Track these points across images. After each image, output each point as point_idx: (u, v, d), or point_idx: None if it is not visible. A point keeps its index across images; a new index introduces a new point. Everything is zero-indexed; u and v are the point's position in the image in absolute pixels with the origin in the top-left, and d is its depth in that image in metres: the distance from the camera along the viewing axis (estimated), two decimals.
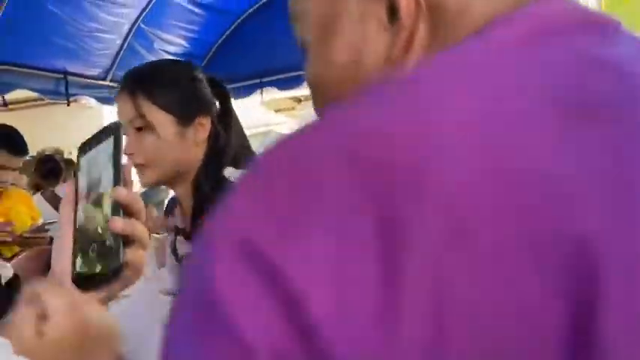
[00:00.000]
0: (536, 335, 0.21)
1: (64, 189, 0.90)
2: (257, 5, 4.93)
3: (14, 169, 2.32)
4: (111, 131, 0.58)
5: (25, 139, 4.33)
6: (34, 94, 5.90)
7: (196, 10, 4.54)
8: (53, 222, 2.25)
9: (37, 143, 4.40)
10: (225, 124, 1.11)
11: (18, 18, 3.24)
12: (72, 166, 4.21)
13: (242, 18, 4.99)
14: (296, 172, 0.25)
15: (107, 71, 4.34)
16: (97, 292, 0.54)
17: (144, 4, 4.11)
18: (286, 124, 9.69)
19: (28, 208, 2.45)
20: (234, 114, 1.17)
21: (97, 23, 3.88)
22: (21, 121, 7.05)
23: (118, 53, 4.29)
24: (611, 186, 0.23)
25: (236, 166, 1.05)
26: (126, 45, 4.27)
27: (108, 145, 0.57)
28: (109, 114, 7.03)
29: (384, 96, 0.27)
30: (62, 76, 3.94)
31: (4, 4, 2.48)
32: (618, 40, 0.30)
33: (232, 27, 5.03)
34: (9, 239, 2.17)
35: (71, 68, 4.00)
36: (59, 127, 6.47)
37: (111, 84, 4.43)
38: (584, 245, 0.22)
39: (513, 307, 0.21)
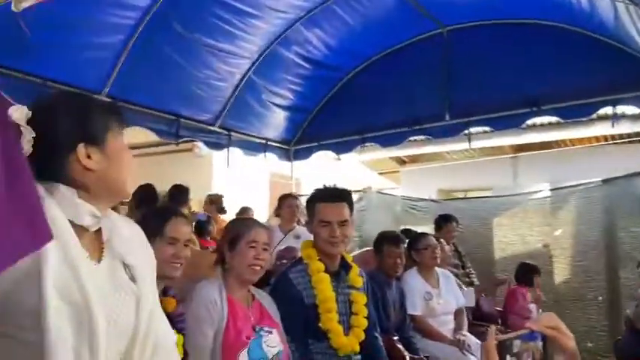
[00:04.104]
0: None
1: None
2: (364, 64, 4.97)
3: None
4: None
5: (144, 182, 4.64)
6: (148, 142, 6.44)
7: (306, 65, 4.67)
8: None
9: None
10: None
11: (139, 60, 3.53)
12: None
13: (349, 75, 5.05)
14: None
15: (217, 117, 4.56)
16: None
17: (256, 57, 4.32)
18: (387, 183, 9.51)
19: None
20: None
21: (212, 71, 4.12)
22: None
23: (228, 101, 4.51)
24: None
25: None
26: (236, 94, 4.48)
27: None
28: (217, 163, 7.43)
29: None
30: (175, 118, 4.20)
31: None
32: None
33: (339, 83, 5.10)
34: None
35: (183, 112, 4.25)
36: (171, 172, 6.87)
37: (219, 130, 4.66)
38: None
39: None
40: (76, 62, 3.32)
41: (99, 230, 1.14)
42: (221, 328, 1.88)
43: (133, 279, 1.14)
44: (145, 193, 3.98)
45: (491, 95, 4.22)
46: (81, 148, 1.09)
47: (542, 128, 6.27)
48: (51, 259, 0.99)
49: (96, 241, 1.14)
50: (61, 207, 1.06)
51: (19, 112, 1.06)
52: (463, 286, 4.13)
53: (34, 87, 3.18)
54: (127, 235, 1.20)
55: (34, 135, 1.05)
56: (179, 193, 4.61)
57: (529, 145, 7.45)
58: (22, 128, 1.04)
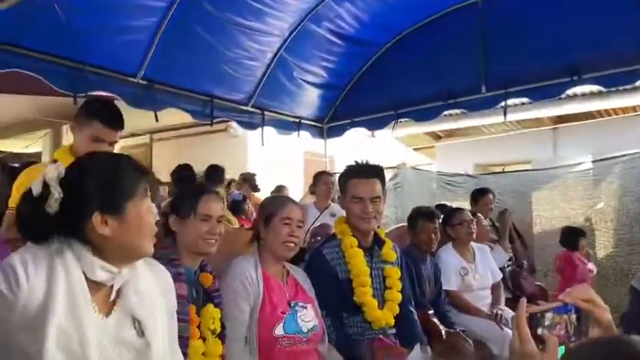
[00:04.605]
0: None
1: None
2: (396, 37, 4.88)
3: (110, 143, 2.28)
4: None
5: (182, 162, 4.74)
6: (184, 124, 6.56)
7: (337, 41, 4.61)
8: None
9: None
10: None
11: (172, 41, 3.57)
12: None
13: (382, 50, 4.97)
14: None
15: (250, 97, 4.58)
16: None
17: (287, 34, 4.30)
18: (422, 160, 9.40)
19: None
20: None
21: (243, 50, 4.13)
22: (179, 148, 7.77)
23: (260, 80, 4.52)
24: None
25: None
26: (268, 73, 4.48)
27: None
28: (252, 143, 7.50)
29: None
30: (209, 99, 4.25)
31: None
32: None
33: (372, 59, 5.03)
34: None
35: (217, 92, 4.29)
36: (207, 153, 6.99)
37: (252, 109, 4.68)
38: None
39: None
40: (112, 46, 3.39)
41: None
42: (257, 303, 1.93)
43: (141, 333, 1.20)
44: (183, 172, 4.08)
45: (529, 65, 4.08)
46: (96, 216, 1.15)
47: (583, 98, 6.05)
48: (58, 308, 1.07)
49: (109, 296, 1.21)
50: (79, 262, 1.14)
51: (52, 173, 1.15)
52: (491, 245, 4.07)
53: (74, 72, 3.27)
54: (144, 288, 1.25)
55: (62, 196, 1.14)
56: (215, 172, 4.70)
57: (569, 116, 7.19)
58: (51, 188, 1.14)
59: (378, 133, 6.68)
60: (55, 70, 3.16)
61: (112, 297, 1.20)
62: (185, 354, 1.65)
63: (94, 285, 1.15)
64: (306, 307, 2.04)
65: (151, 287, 1.28)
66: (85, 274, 1.14)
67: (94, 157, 1.28)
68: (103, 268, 1.16)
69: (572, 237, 4.49)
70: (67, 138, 7.81)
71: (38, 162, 5.06)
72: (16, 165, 4.13)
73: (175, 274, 1.74)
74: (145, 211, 1.21)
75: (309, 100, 5.07)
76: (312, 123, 5.32)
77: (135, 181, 1.20)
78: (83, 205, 1.15)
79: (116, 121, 2.30)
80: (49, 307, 1.06)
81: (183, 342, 1.65)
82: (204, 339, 1.75)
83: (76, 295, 1.10)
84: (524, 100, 5.15)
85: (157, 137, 8.66)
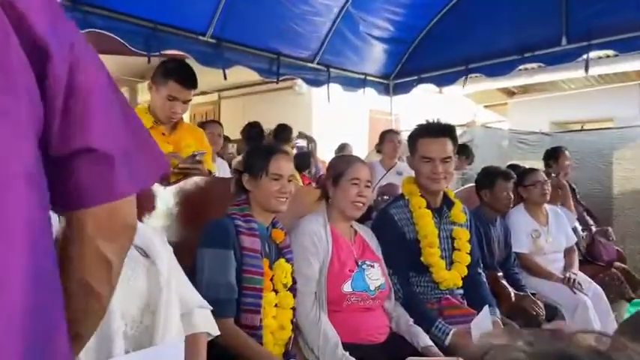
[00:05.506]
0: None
1: None
2: None
3: (184, 102, 2.36)
4: None
5: (248, 119, 4.83)
6: (252, 81, 6.62)
7: None
8: (203, 152, 2.40)
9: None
10: None
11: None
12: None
13: (452, 1, 4.72)
14: None
15: (315, 54, 4.54)
16: None
17: None
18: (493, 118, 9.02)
19: (196, 141, 2.51)
20: None
21: (309, 6, 4.06)
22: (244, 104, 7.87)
23: (326, 36, 4.44)
24: None
25: None
26: (334, 28, 4.39)
27: None
28: (317, 100, 7.47)
29: None
30: (275, 56, 4.25)
31: None
32: None
33: (442, 11, 4.80)
34: (171, 168, 2.21)
35: (283, 49, 4.28)
36: (272, 110, 7.06)
37: (318, 66, 4.64)
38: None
39: None
40: (182, 4, 3.45)
41: None
42: (326, 260, 1.97)
43: (145, 255, 1.34)
44: (253, 130, 4.16)
45: (616, 14, 3.74)
46: None
47: None
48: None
49: None
50: None
51: None
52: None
53: (147, 31, 3.37)
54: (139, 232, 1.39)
55: None
56: (282, 131, 4.76)
57: None
58: None
59: (445, 89, 6.44)
60: (129, 30, 3.27)
61: None
62: (259, 304, 1.74)
63: None
64: (373, 266, 2.06)
65: (145, 230, 1.40)
66: None
67: None
68: None
69: None
70: (142, 96, 8.13)
71: None
72: None
73: (249, 229, 1.80)
74: None
75: (375, 56, 4.95)
76: (378, 80, 5.21)
77: None
78: None
79: (190, 81, 2.37)
80: None
81: (257, 293, 1.73)
82: (276, 291, 1.82)
83: None
84: (610, 52, 4.76)
85: (224, 95, 8.83)
